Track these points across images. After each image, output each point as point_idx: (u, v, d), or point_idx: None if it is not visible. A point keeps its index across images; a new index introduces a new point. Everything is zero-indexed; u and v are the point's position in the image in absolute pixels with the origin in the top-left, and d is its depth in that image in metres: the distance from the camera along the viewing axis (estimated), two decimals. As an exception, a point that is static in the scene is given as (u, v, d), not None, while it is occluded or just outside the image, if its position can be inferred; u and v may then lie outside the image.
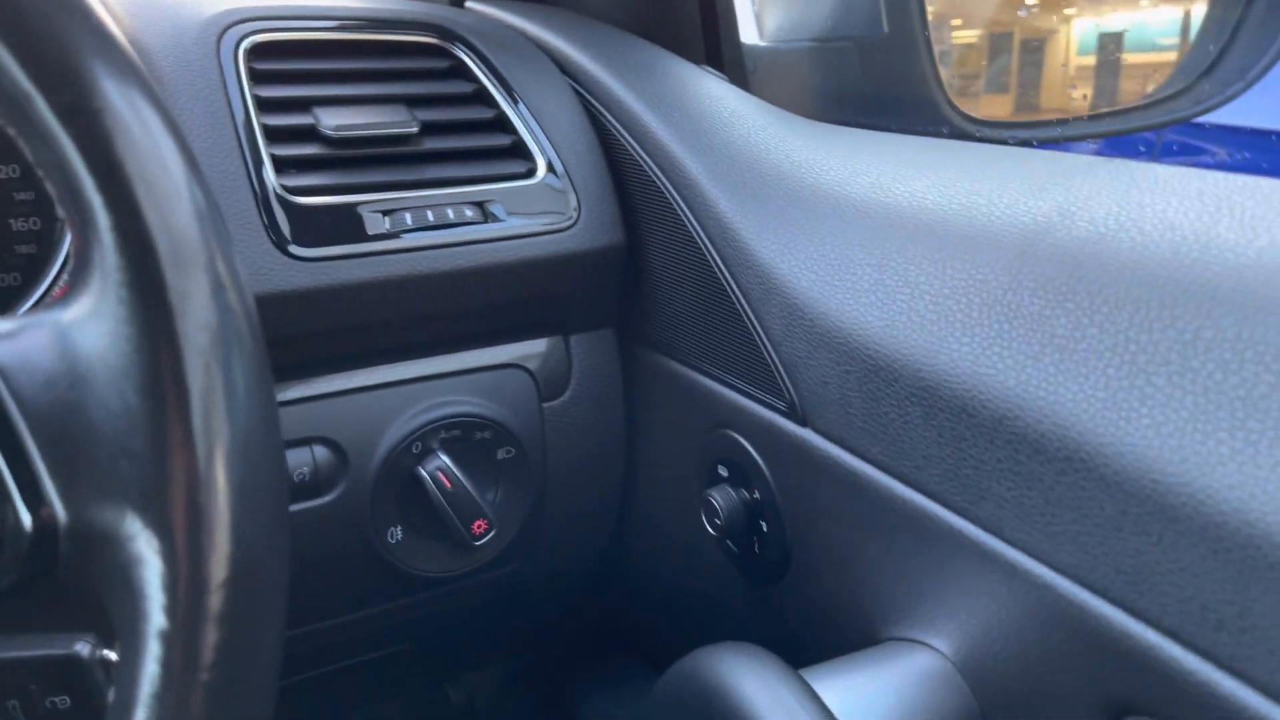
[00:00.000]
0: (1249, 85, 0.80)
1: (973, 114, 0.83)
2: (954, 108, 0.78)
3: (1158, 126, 0.79)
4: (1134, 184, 0.46)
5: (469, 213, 0.63)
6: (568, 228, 0.66)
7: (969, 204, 0.50)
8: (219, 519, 0.30)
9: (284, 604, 0.33)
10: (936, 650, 0.51)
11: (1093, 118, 0.84)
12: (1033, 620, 0.43)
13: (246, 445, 0.31)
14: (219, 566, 0.30)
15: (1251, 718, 0.34)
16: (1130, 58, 1.41)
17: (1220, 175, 0.45)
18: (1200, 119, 0.81)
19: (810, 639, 0.60)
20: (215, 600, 0.30)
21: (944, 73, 0.83)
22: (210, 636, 0.30)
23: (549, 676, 0.93)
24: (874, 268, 0.52)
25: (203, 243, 0.30)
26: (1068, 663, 0.42)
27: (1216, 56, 0.82)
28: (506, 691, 1.01)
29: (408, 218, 0.61)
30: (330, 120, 0.61)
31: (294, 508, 0.61)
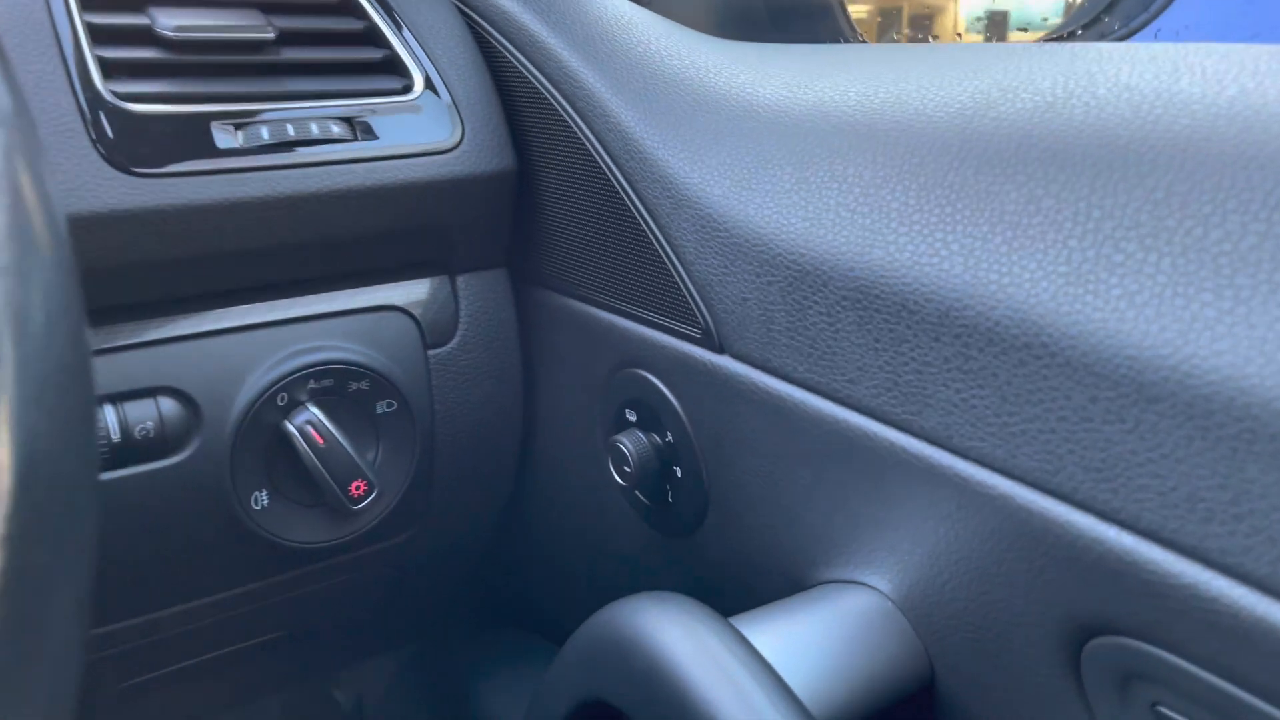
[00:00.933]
0: (1153, 17, 0.79)
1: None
2: (855, 29, 0.75)
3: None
4: (1077, 58, 0.42)
5: (335, 129, 0.55)
6: (450, 149, 0.59)
7: (898, 91, 0.46)
8: None
9: (94, 524, 0.25)
10: (874, 589, 0.46)
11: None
12: (984, 541, 0.39)
13: (40, 316, 0.23)
14: None
15: (1247, 619, 0.30)
16: (1016, 36, 1.43)
17: (1170, 44, 0.41)
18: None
19: (733, 592, 0.54)
20: None
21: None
22: None
23: (441, 664, 0.85)
24: (795, 165, 0.46)
25: None
26: (1024, 585, 0.37)
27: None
28: (397, 688, 0.93)
29: (264, 132, 0.53)
30: (168, 21, 0.53)
31: (140, 469, 0.52)
